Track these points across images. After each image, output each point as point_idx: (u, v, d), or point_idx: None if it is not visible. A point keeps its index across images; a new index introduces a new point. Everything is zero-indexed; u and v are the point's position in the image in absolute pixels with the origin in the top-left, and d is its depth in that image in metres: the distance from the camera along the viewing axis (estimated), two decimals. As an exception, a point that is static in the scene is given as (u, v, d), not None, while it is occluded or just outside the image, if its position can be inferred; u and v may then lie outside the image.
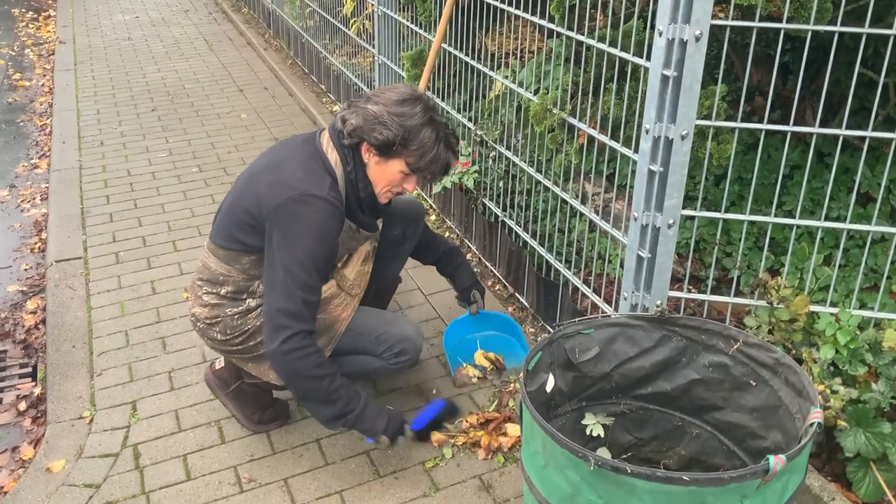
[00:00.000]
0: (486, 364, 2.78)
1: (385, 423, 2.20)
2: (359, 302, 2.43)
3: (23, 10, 8.78)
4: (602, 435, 2.10)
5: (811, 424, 1.61)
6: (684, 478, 1.47)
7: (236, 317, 2.29)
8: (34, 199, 4.40)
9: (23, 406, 2.78)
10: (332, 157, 2.23)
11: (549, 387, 1.98)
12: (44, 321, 3.23)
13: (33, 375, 2.95)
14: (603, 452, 2.09)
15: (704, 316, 2.42)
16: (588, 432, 2.10)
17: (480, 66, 3.26)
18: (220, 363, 2.52)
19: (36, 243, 3.92)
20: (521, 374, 1.83)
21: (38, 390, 2.84)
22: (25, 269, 3.69)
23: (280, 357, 2.08)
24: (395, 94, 2.22)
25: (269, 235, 2.14)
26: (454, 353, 2.81)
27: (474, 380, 2.74)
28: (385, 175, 2.24)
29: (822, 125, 2.34)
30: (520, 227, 3.16)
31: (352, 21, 4.73)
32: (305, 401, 2.25)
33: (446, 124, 2.29)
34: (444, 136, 2.25)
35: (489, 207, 3.37)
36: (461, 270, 2.79)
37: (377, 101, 2.20)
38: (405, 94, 2.22)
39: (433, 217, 3.90)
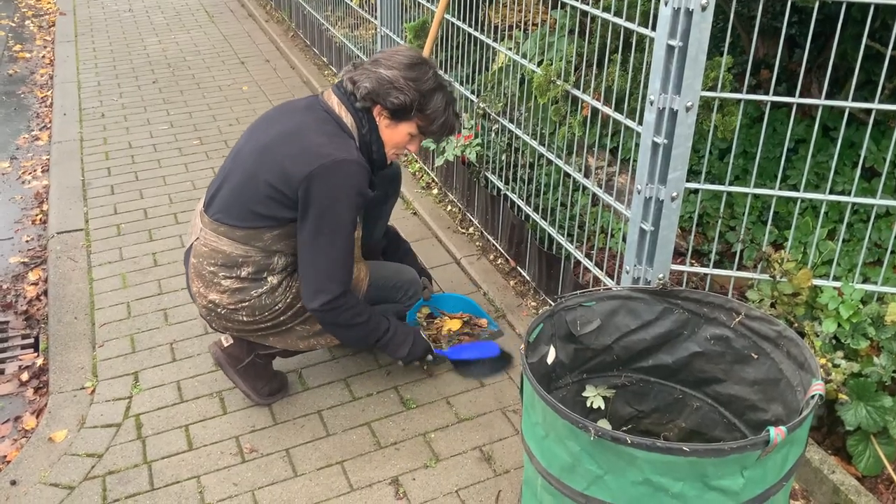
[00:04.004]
0: (458, 325, 2.84)
1: (408, 350, 2.48)
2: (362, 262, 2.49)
3: (23, -20, 8.70)
4: (602, 407, 2.11)
5: (812, 397, 1.60)
6: (684, 448, 1.46)
7: (264, 297, 2.28)
8: (35, 170, 4.39)
9: (25, 377, 2.79)
10: (347, 119, 2.27)
11: (551, 359, 1.98)
12: (45, 292, 3.23)
13: (35, 346, 2.96)
14: (603, 424, 2.09)
15: (707, 290, 2.41)
16: (589, 404, 2.11)
17: (484, 38, 3.22)
18: (227, 341, 2.47)
19: (37, 215, 3.91)
20: (523, 346, 1.82)
21: (40, 361, 2.85)
22: (27, 241, 3.69)
23: (322, 315, 2.27)
24: (404, 58, 2.26)
25: (305, 204, 2.16)
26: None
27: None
28: (394, 137, 2.31)
29: (828, 99, 2.31)
30: (522, 200, 3.15)
31: (354, -8, 4.68)
32: (343, 339, 2.45)
33: (448, 86, 2.36)
34: (451, 101, 2.33)
35: (491, 181, 3.35)
36: (408, 258, 2.84)
37: (389, 66, 2.24)
38: (414, 57, 2.28)
39: (435, 191, 3.88)
